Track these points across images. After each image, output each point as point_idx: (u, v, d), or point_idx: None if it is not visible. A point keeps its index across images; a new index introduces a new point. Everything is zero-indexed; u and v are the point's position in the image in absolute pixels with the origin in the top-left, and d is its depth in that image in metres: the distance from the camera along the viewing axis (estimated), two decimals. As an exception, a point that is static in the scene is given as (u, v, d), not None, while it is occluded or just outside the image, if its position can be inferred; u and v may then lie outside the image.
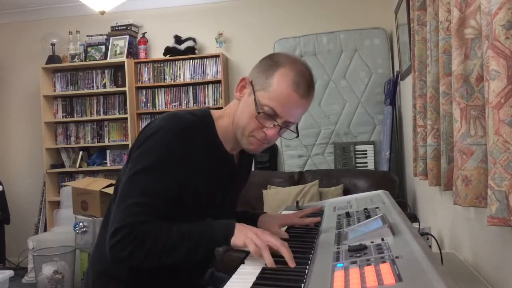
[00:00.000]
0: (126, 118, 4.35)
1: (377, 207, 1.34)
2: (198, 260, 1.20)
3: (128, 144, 4.37)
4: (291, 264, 1.03)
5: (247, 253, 1.17)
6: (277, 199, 3.44)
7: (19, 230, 4.52)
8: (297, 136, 1.31)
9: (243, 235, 1.13)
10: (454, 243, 1.94)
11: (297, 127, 1.31)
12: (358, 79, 4.01)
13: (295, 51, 4.10)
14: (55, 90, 4.54)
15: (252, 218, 1.45)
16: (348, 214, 1.34)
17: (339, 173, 3.58)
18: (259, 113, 1.20)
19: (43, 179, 4.54)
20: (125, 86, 4.33)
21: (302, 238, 1.26)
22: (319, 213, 1.52)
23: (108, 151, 4.53)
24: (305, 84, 1.21)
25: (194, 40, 4.34)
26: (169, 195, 1.19)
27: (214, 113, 1.31)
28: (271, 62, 1.23)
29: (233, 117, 1.28)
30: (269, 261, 1.04)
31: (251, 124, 1.22)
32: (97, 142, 4.53)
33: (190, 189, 1.22)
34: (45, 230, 4.45)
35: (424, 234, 1.76)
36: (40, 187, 4.62)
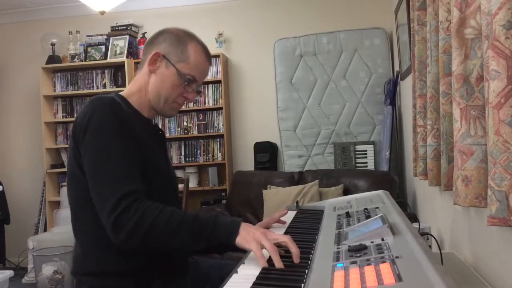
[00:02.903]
0: (126, 118, 4.34)
1: (377, 207, 1.34)
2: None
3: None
4: (296, 260, 1.04)
5: (247, 253, 1.17)
6: (277, 199, 3.44)
7: (19, 230, 4.52)
8: (201, 96, 1.51)
9: (250, 236, 1.14)
10: (454, 243, 1.94)
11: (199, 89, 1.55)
12: (358, 79, 4.01)
13: (295, 51, 4.10)
14: (55, 90, 4.54)
15: None
16: (348, 214, 1.34)
17: (339, 173, 3.58)
18: (187, 82, 1.38)
19: (43, 179, 4.54)
20: (125, 86, 4.31)
21: (302, 238, 1.26)
22: (319, 213, 1.53)
23: (108, 151, 4.52)
24: (209, 53, 1.46)
25: (194, 40, 4.33)
26: (137, 160, 1.25)
27: (123, 94, 1.42)
28: (177, 37, 1.40)
29: (145, 90, 1.41)
30: (279, 264, 1.03)
31: (174, 93, 1.40)
32: (97, 142, 4.52)
33: (145, 155, 1.29)
34: (45, 230, 4.44)
35: (424, 234, 1.76)
36: (40, 187, 4.62)
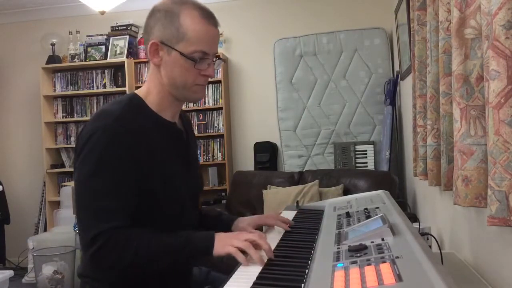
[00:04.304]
0: (126, 118, 4.34)
1: (377, 207, 1.34)
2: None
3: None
4: (270, 254, 1.08)
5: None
6: (277, 199, 3.45)
7: (19, 230, 4.52)
8: (224, 61, 1.36)
9: (223, 244, 1.16)
10: (454, 243, 1.94)
11: (218, 55, 1.36)
12: (358, 79, 4.01)
13: (295, 51, 4.10)
14: (55, 90, 4.54)
15: (227, 222, 1.47)
16: (348, 214, 1.34)
17: (339, 173, 3.58)
18: (195, 61, 1.22)
19: (43, 179, 4.54)
20: (125, 86, 4.32)
21: (302, 238, 1.26)
22: (319, 213, 1.52)
23: (108, 151, 4.53)
24: (210, 14, 1.27)
25: (194, 40, 4.33)
26: (129, 188, 1.17)
27: (140, 92, 1.31)
28: (167, 14, 1.23)
29: (161, 85, 1.28)
30: (256, 257, 1.08)
31: (190, 76, 1.24)
32: (97, 142, 4.52)
33: (151, 173, 1.22)
34: (45, 230, 4.44)
35: (424, 234, 1.76)
36: (40, 187, 4.62)
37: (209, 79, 1.32)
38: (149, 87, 1.31)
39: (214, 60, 1.28)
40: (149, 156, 1.21)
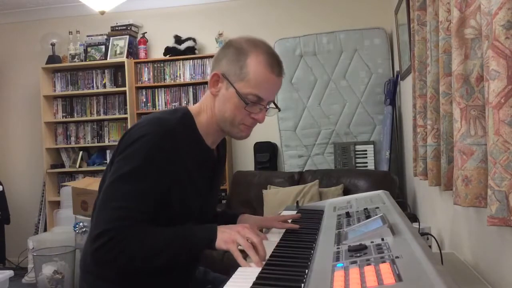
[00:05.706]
0: (126, 118, 4.35)
1: (377, 207, 1.34)
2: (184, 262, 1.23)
3: (128, 144, 4.36)
4: (259, 264, 1.07)
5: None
6: (277, 199, 3.44)
7: (19, 230, 4.52)
8: (279, 110, 1.38)
9: (226, 238, 1.16)
10: (454, 243, 1.94)
11: (275, 103, 1.37)
12: (358, 79, 4.01)
13: (295, 51, 4.10)
14: (55, 90, 4.54)
15: (232, 218, 1.49)
16: (348, 214, 1.34)
17: (339, 173, 3.58)
18: (247, 103, 1.25)
19: (43, 179, 4.54)
20: (125, 86, 4.33)
21: (302, 238, 1.26)
22: (319, 213, 1.52)
23: (108, 151, 4.54)
24: (277, 63, 1.28)
25: (194, 40, 4.34)
26: (154, 198, 1.20)
27: (192, 110, 1.34)
28: (237, 51, 1.27)
29: (211, 112, 1.31)
30: (255, 260, 1.08)
31: (239, 115, 1.28)
32: (97, 142, 4.53)
33: (176, 190, 1.24)
34: (45, 230, 4.45)
35: (424, 234, 1.76)
36: (40, 187, 4.62)
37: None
38: (201, 109, 1.34)
39: (267, 106, 1.31)
40: (180, 174, 1.24)
